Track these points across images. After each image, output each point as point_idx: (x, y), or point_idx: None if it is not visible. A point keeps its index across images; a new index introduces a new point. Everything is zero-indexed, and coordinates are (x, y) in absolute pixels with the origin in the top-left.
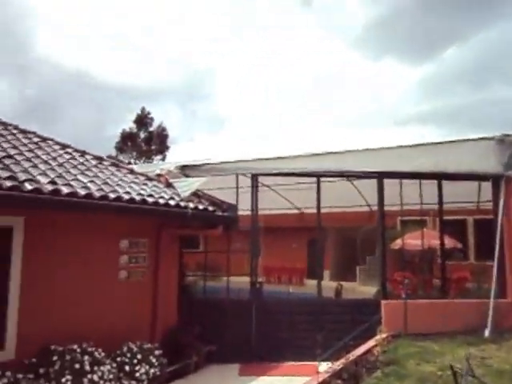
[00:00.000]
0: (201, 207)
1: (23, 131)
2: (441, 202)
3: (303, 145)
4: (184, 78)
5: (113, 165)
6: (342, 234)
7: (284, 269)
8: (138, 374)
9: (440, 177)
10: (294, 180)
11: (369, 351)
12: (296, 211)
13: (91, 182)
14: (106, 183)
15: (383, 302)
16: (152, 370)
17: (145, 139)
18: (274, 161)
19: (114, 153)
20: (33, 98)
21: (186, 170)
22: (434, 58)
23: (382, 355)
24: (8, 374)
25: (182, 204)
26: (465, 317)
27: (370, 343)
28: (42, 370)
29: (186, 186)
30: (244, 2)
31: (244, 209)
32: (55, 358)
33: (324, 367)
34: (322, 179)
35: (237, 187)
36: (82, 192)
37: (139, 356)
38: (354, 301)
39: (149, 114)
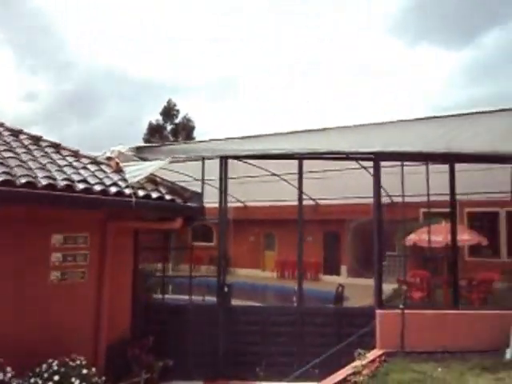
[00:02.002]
0: (154, 195)
1: None
2: (453, 191)
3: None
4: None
5: (52, 146)
6: (360, 227)
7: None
8: None
9: (452, 159)
10: (306, 169)
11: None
12: (311, 202)
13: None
14: (22, 166)
15: (378, 311)
16: None
17: (171, 131)
18: (249, 140)
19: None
20: (70, 94)
21: (142, 153)
22: (473, 43)
23: (370, 381)
24: None
25: (128, 191)
26: (482, 332)
27: (347, 370)
28: None
29: (138, 171)
30: None
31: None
32: None
33: None
34: (331, 167)
35: (202, 172)
36: None
37: (56, 377)
38: (344, 310)
39: (175, 105)
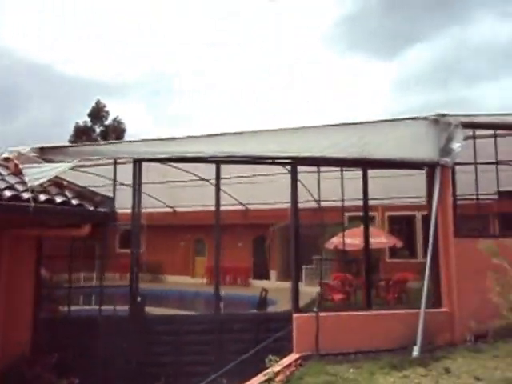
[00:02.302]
0: (59, 200)
1: None
2: (366, 197)
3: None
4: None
5: None
6: (285, 231)
7: (229, 269)
8: None
9: (365, 164)
10: (235, 173)
11: None
12: (241, 207)
13: None
14: None
15: (295, 315)
16: None
17: (101, 133)
18: (164, 143)
19: None
20: None
21: (47, 154)
22: (398, 58)
23: None
24: None
25: (26, 196)
26: (393, 331)
27: (259, 378)
28: None
29: (41, 173)
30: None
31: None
32: None
33: None
34: (261, 172)
35: (114, 176)
36: None
37: None
38: (263, 315)
39: (104, 107)
